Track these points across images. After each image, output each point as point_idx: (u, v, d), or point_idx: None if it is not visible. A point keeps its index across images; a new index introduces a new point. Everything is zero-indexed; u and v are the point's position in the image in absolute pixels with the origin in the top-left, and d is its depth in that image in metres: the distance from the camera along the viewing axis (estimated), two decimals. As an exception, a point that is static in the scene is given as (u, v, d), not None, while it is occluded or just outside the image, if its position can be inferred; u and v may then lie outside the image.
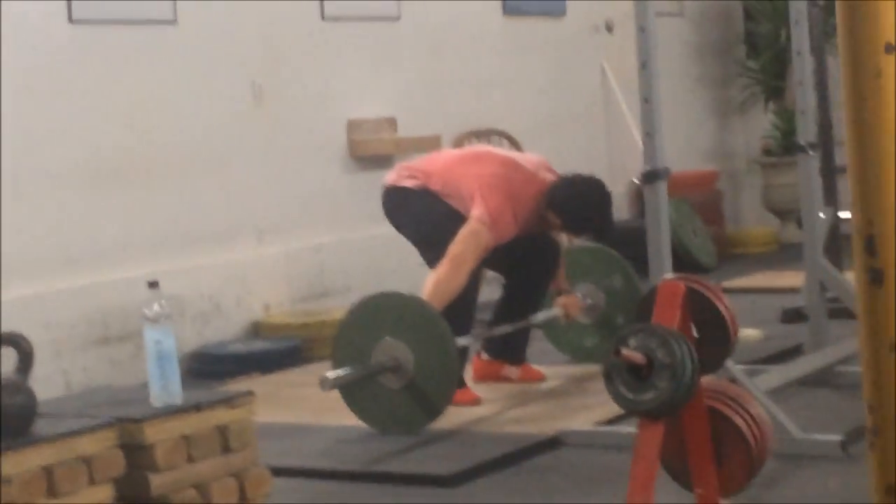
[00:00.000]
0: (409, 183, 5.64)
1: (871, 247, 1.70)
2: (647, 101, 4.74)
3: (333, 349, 5.30)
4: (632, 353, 3.16)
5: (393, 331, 5.13)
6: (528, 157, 5.95)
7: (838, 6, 1.90)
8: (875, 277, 1.72)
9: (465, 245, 5.36)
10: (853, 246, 1.76)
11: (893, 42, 1.79)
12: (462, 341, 5.35)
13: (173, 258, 6.83)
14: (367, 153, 7.87)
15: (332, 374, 5.10)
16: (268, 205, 7.40)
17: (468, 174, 5.55)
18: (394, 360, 5.11)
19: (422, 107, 8.30)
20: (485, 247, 5.40)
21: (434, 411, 5.10)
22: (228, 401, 4.22)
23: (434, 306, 5.18)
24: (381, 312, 5.20)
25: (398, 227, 5.75)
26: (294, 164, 7.56)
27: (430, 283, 5.30)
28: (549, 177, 5.68)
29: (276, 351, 6.71)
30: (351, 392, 5.20)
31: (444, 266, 5.32)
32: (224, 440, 4.16)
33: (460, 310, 5.39)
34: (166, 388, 4.10)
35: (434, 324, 5.09)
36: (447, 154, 5.75)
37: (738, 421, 3.34)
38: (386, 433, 5.12)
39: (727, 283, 7.80)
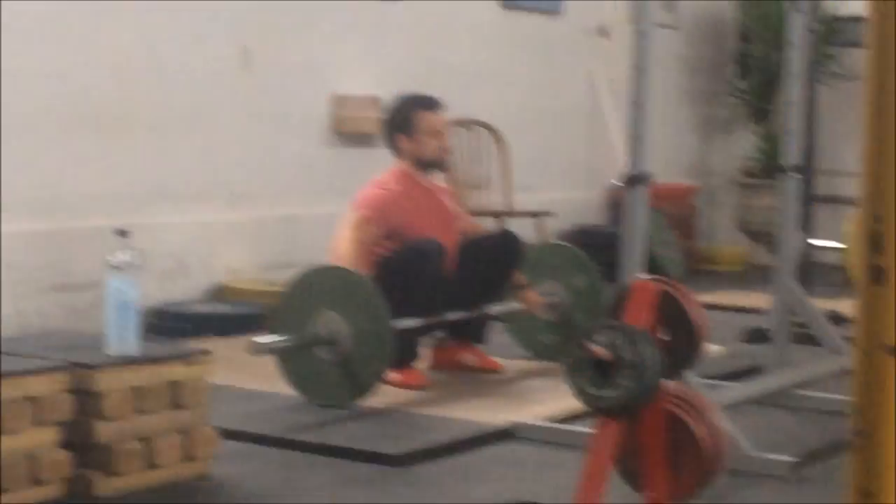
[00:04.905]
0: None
1: (876, 244, 1.66)
2: (637, 104, 4.71)
3: (274, 317, 5.34)
4: (598, 349, 3.13)
5: (333, 304, 5.14)
6: None
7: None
8: (877, 275, 1.68)
9: (338, 233, 5.54)
10: (858, 244, 1.71)
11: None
12: (409, 322, 5.36)
13: (143, 212, 6.77)
14: (350, 130, 7.82)
15: (263, 339, 5.11)
16: (244, 170, 7.35)
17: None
18: (330, 333, 5.14)
19: (409, 90, 8.24)
20: (356, 224, 5.52)
21: (363, 388, 5.12)
22: (184, 357, 4.19)
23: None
24: (324, 284, 5.22)
25: None
26: (276, 132, 7.51)
27: None
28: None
29: (237, 315, 6.67)
30: (287, 361, 5.23)
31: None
32: (175, 396, 4.12)
33: (417, 291, 5.40)
34: (123, 337, 4.07)
35: (372, 301, 5.10)
36: None
37: (697, 429, 3.32)
38: (315, 404, 5.14)
39: (693, 298, 7.78)
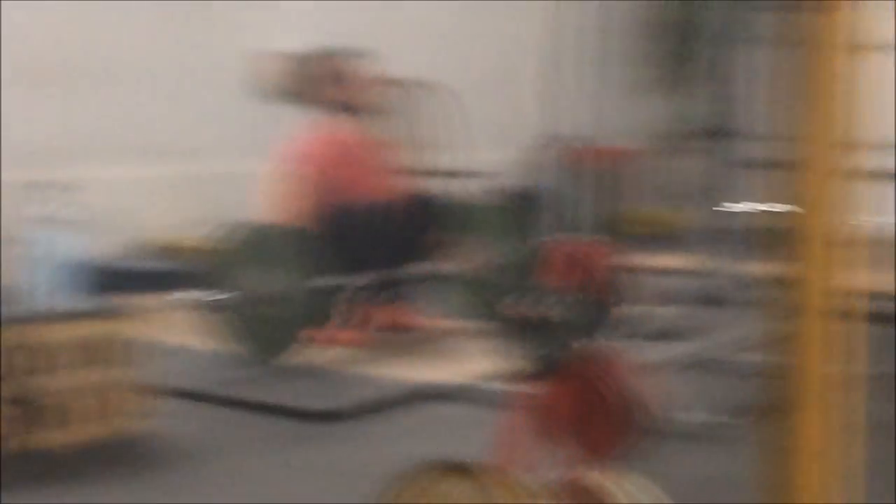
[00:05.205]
0: None
1: (809, 207, 1.68)
2: (556, 66, 4.75)
3: (203, 272, 5.38)
4: (523, 309, 3.17)
5: (263, 260, 5.18)
6: None
7: None
8: (807, 238, 1.71)
9: (270, 186, 5.65)
10: (789, 207, 1.74)
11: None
12: (339, 281, 5.40)
13: (69, 166, 6.73)
14: (282, 86, 7.78)
15: (192, 295, 5.13)
16: (175, 125, 7.31)
17: None
18: (259, 288, 5.17)
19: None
20: (290, 178, 5.60)
21: (291, 344, 5.18)
22: (112, 312, 4.19)
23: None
24: (254, 240, 5.24)
25: None
26: (207, 88, 7.47)
27: None
28: None
29: (163, 271, 6.66)
30: (217, 316, 5.28)
31: None
32: (105, 351, 4.12)
33: (353, 251, 5.42)
34: (51, 292, 4.06)
35: (302, 257, 5.13)
36: None
37: (617, 389, 3.36)
38: (245, 359, 5.18)
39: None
